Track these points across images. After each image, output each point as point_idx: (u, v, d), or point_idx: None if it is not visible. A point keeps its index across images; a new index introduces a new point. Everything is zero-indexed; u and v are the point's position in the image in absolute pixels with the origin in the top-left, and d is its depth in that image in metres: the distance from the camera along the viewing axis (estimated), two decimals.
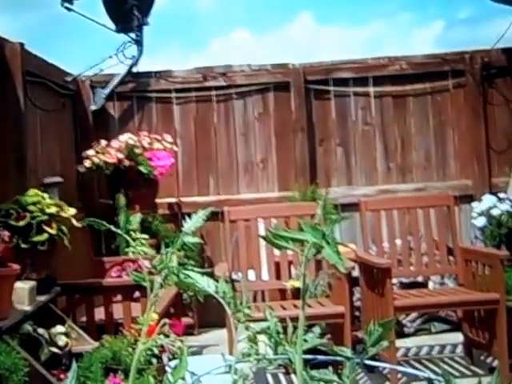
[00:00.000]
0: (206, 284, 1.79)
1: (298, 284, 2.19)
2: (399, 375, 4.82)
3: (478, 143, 7.24)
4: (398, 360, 5.22)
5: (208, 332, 6.53)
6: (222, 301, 1.76)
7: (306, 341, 1.80)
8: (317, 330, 1.98)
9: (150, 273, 1.78)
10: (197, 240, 1.82)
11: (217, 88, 7.37)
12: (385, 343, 1.81)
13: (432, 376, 1.72)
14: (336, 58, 7.45)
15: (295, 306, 4.83)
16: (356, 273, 5.57)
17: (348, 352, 1.81)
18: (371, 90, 7.34)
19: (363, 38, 12.78)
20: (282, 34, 12.56)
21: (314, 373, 1.67)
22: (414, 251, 5.59)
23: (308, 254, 1.64)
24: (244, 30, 13.71)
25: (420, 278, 6.27)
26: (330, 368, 1.78)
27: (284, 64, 7.41)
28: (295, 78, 7.28)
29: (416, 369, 5.24)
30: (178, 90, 7.35)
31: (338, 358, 1.76)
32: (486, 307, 4.99)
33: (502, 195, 6.13)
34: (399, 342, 5.54)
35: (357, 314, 5.72)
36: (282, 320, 1.75)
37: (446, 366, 5.33)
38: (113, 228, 1.84)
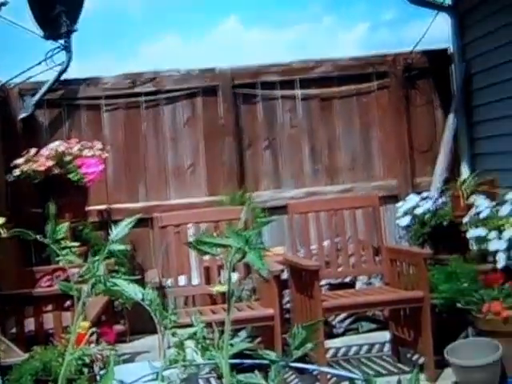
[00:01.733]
0: (132, 292, 1.81)
1: (224, 289, 2.23)
2: (329, 375, 4.90)
3: (401, 144, 7.41)
4: (328, 360, 5.31)
5: (140, 339, 6.52)
6: (148, 308, 1.79)
7: (232, 345, 1.84)
8: (243, 334, 2.02)
9: (81, 281, 1.80)
10: (123, 247, 1.85)
11: (146, 94, 7.36)
12: (309, 345, 1.87)
13: (354, 376, 1.79)
14: (263, 62, 7.52)
15: (225, 310, 4.84)
16: (285, 275, 5.64)
17: (273, 355, 1.86)
18: (297, 92, 7.43)
19: (289, 41, 12.90)
20: (210, 39, 12.60)
21: (240, 377, 1.71)
22: (342, 252, 5.70)
23: (232, 260, 1.69)
24: (173, 35, 13.72)
25: (348, 279, 6.38)
26: (256, 372, 1.83)
27: (212, 68, 7.44)
28: (223, 82, 7.33)
29: (345, 368, 5.34)
30: (107, 97, 7.32)
31: (264, 362, 1.81)
32: (411, 305, 5.10)
33: (425, 194, 6.29)
34: (329, 343, 5.62)
35: (287, 316, 5.79)
36: (212, 325, 1.79)
37: (373, 365, 5.44)
38: (38, 238, 1.85)
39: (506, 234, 5.17)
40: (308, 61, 7.55)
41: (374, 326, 6.31)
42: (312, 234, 5.68)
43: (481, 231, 5.37)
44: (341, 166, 7.47)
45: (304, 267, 5.13)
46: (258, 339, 5.11)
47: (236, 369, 1.74)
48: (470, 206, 5.85)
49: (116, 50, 12.07)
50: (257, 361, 1.91)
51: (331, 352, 5.77)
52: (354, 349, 5.92)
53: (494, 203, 5.61)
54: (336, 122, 7.52)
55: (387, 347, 5.72)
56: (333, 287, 6.20)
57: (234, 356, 1.76)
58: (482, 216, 5.49)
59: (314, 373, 5.09)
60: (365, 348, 5.91)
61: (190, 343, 1.84)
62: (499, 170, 6.59)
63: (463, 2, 7.24)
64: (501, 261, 5.17)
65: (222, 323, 1.76)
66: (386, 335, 5.68)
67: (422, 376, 4.92)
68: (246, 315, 4.85)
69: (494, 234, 5.26)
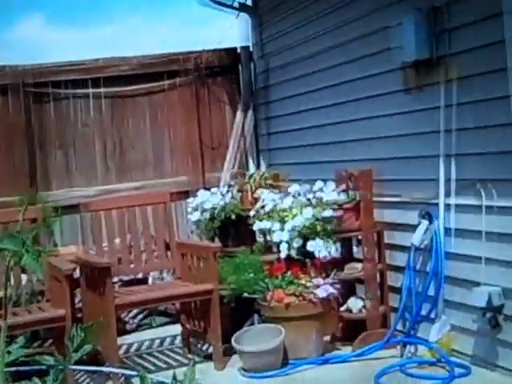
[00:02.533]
0: None
1: (1, 293, 2.23)
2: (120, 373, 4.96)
3: (192, 141, 7.58)
4: (121, 357, 5.35)
5: None
6: None
7: (10, 352, 1.88)
8: (21, 340, 2.07)
9: None
10: None
11: None
12: (87, 347, 1.95)
13: (130, 372, 1.90)
14: (63, 60, 7.40)
15: (14, 315, 4.75)
16: (77, 274, 5.63)
17: (51, 360, 1.92)
18: (93, 91, 7.38)
19: (94, 40, 12.79)
20: (9, 35, 12.22)
21: None
22: (134, 249, 5.78)
23: (10, 263, 1.73)
24: None
25: (140, 275, 6.44)
26: (35, 378, 1.88)
27: (2, 66, 7.23)
28: (14, 81, 7.14)
29: (138, 364, 5.43)
30: None
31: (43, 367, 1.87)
32: (202, 298, 5.26)
33: (214, 189, 6.49)
34: (121, 340, 5.64)
35: (80, 315, 5.78)
36: None
37: (165, 358, 5.57)
38: None
39: (288, 225, 5.45)
40: (106, 59, 7.51)
41: (166, 319, 6.44)
42: (104, 232, 5.70)
43: (266, 223, 5.61)
44: (132, 163, 7.52)
45: (95, 265, 5.15)
46: (50, 341, 5.08)
47: (20, 376, 1.78)
48: (257, 200, 6.09)
49: None
50: (33, 367, 1.96)
51: (124, 348, 5.83)
52: (146, 343, 6.02)
53: (278, 196, 5.87)
54: (129, 120, 7.56)
55: (178, 339, 5.89)
56: (125, 283, 6.25)
57: (18, 363, 1.79)
58: (267, 209, 5.74)
59: (106, 371, 5.13)
60: (157, 342, 6.03)
61: None
62: (288, 164, 6.93)
63: (262, 3, 7.54)
64: (284, 251, 5.44)
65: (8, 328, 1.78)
66: (178, 328, 5.84)
67: (211, 364, 5.12)
68: (35, 318, 4.78)
69: (277, 225, 5.52)
